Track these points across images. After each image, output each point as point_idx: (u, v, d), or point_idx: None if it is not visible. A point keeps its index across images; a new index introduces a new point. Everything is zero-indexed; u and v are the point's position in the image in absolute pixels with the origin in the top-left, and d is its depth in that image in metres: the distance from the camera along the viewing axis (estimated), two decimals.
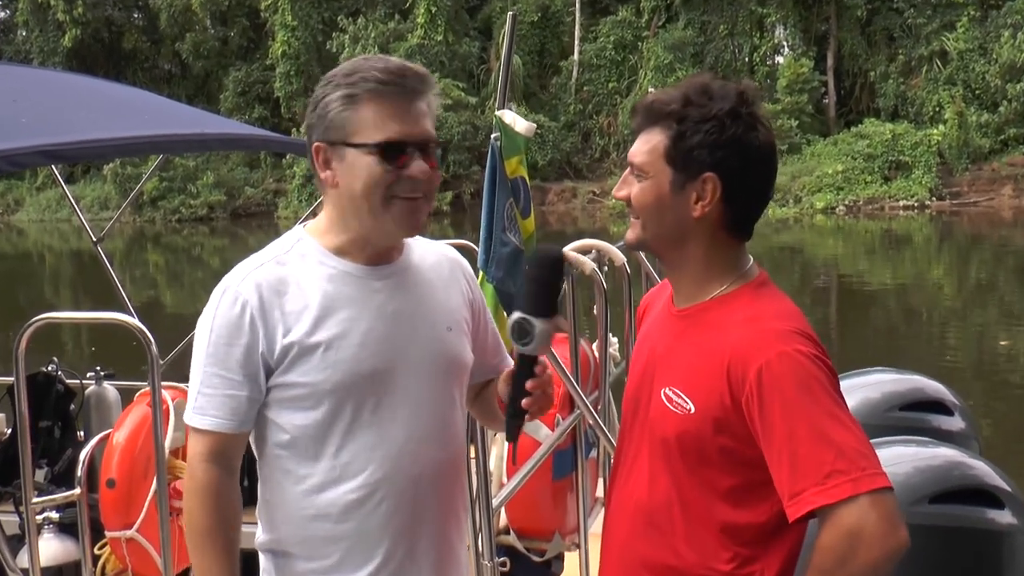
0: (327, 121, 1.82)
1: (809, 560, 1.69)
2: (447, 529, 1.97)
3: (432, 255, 2.00)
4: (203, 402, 1.84)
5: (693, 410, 1.78)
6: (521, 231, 2.48)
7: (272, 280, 1.84)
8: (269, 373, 1.83)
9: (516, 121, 2.45)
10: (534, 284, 1.81)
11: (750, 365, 1.71)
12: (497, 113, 2.45)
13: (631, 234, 1.89)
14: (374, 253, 1.88)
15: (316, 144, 1.84)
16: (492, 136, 2.42)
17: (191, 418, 1.86)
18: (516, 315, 1.79)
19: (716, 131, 1.77)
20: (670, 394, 1.82)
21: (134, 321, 3.16)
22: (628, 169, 1.87)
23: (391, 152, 1.78)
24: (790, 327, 1.76)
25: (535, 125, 2.48)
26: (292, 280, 1.85)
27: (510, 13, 2.48)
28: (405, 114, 1.79)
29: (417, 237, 2.01)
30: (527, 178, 2.55)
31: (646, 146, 1.83)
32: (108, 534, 3.52)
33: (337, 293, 1.85)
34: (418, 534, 1.90)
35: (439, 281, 1.96)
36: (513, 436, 1.88)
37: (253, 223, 39.63)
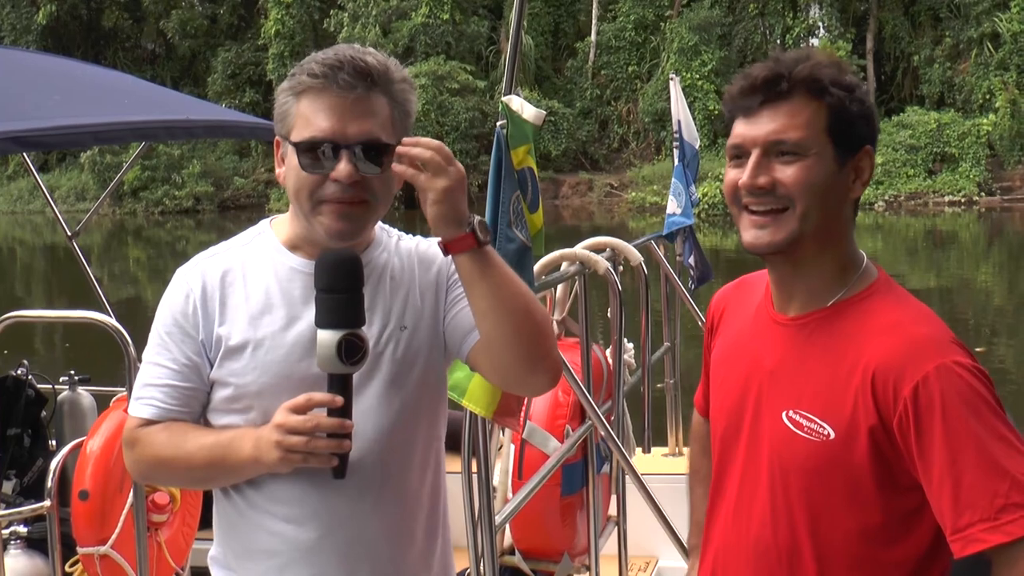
0: (277, 114, 1.86)
1: None
2: (398, 554, 1.93)
3: (402, 252, 1.98)
4: (146, 392, 1.89)
5: (832, 436, 1.68)
6: (528, 226, 2.49)
7: (220, 270, 1.90)
8: (211, 367, 1.87)
9: (524, 108, 2.46)
10: (351, 293, 1.75)
11: (904, 381, 1.62)
12: (504, 99, 2.46)
13: (778, 233, 1.71)
14: (327, 250, 1.85)
15: (276, 137, 1.89)
16: (498, 124, 2.42)
17: (133, 407, 1.91)
18: (340, 332, 1.71)
19: (864, 101, 1.74)
20: (797, 418, 1.72)
21: (110, 320, 3.18)
22: (758, 151, 1.71)
23: (313, 152, 1.78)
24: (942, 335, 1.67)
25: (545, 112, 2.49)
26: (240, 272, 1.90)
27: None
28: (335, 111, 1.78)
29: (402, 234, 2.02)
30: (535, 169, 2.55)
31: (796, 119, 1.69)
32: (80, 550, 3.53)
33: (281, 290, 1.87)
34: (359, 556, 1.89)
35: (403, 278, 1.94)
36: (343, 471, 1.79)
37: (243, 216, 39.72)
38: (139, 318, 16.91)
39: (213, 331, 1.86)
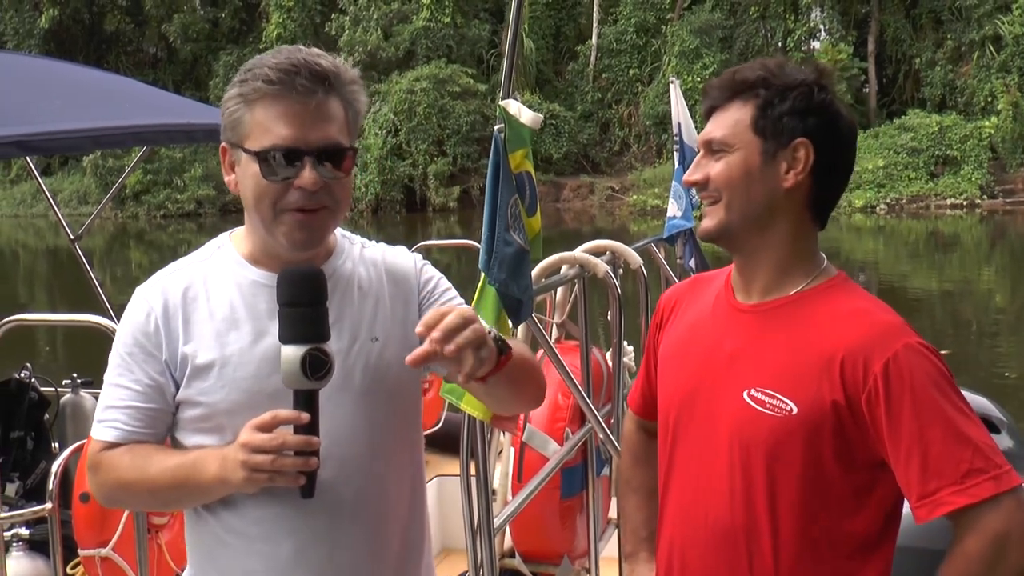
0: (225, 120, 1.81)
1: (950, 568, 1.71)
2: (377, 570, 1.89)
3: (368, 261, 1.95)
4: (108, 415, 1.85)
5: (795, 411, 1.77)
6: (526, 230, 2.50)
7: (181, 287, 1.86)
8: (177, 386, 1.83)
9: (521, 112, 2.47)
10: (315, 307, 1.70)
11: (873, 360, 1.73)
12: (501, 103, 2.47)
13: (710, 221, 1.88)
14: (288, 262, 1.82)
15: (222, 144, 1.84)
16: (496, 128, 2.44)
17: (95, 429, 1.86)
18: (304, 347, 1.67)
19: (805, 97, 1.83)
20: (759, 395, 1.81)
21: (111, 323, 3.19)
22: (700, 154, 1.89)
23: (274, 160, 1.74)
24: (903, 322, 1.80)
25: (542, 116, 2.50)
26: (202, 288, 1.86)
27: None
28: (295, 117, 1.74)
29: (366, 241, 2.01)
30: (533, 173, 2.57)
31: (725, 121, 1.86)
32: (81, 552, 3.54)
33: (245, 305, 1.83)
34: (338, 571, 1.85)
35: (371, 288, 1.91)
36: (312, 490, 1.74)
37: (244, 220, 39.74)
38: None
39: (178, 350, 1.82)
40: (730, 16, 37.72)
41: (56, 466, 3.37)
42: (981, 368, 11.65)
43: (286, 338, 1.69)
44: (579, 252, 3.81)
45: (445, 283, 2.01)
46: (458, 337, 1.62)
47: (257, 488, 1.75)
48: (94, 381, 4.78)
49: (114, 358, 1.87)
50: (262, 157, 1.75)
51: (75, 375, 4.72)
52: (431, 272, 2.02)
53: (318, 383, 1.70)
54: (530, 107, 2.52)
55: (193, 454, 1.80)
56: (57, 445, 4.68)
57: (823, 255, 1.91)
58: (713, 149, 1.86)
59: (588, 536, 3.77)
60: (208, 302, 1.84)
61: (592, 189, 37.06)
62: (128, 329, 1.86)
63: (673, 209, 5.90)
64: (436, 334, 1.61)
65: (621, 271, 4.15)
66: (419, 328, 1.63)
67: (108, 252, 32.47)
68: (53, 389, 4.82)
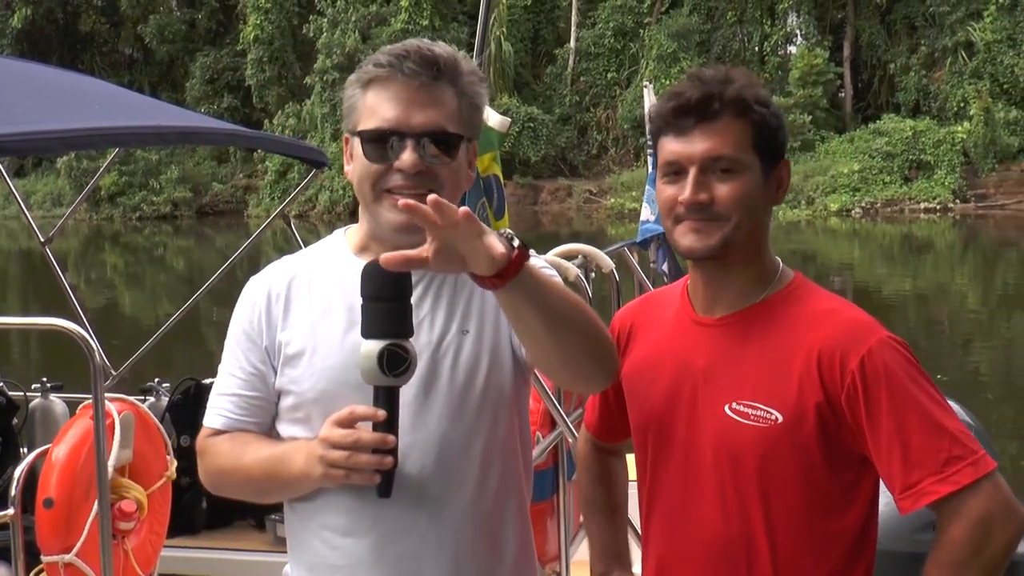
0: (345, 108, 1.85)
1: (937, 557, 1.73)
2: (454, 571, 1.82)
3: None
4: (216, 402, 1.88)
5: (780, 419, 1.77)
6: None
7: (288, 276, 1.88)
8: (276, 374, 1.85)
9: (489, 115, 2.48)
10: (397, 302, 1.65)
11: (849, 356, 1.74)
12: None
13: (710, 240, 1.81)
14: (395, 248, 1.73)
15: (345, 135, 1.87)
16: None
17: (206, 416, 1.90)
18: (383, 343, 1.63)
19: (779, 114, 1.86)
20: (741, 408, 1.80)
21: (75, 327, 3.15)
22: (695, 169, 1.80)
23: (378, 141, 1.76)
24: (871, 317, 1.82)
25: (510, 120, 2.50)
26: (307, 278, 1.87)
27: None
28: (400, 100, 1.75)
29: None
30: (501, 176, 2.57)
31: (728, 137, 1.80)
32: (44, 559, 3.50)
33: (344, 294, 1.81)
34: (416, 571, 1.80)
35: (467, 279, 1.74)
36: (388, 490, 1.71)
37: (221, 222, 39.60)
38: (116, 324, 16.83)
39: (276, 338, 1.84)
40: (707, 20, 37.90)
41: (19, 471, 3.34)
42: (952, 370, 11.73)
43: (367, 332, 1.66)
44: (550, 256, 3.79)
45: (541, 263, 1.87)
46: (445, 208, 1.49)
47: (335, 484, 1.74)
48: (64, 385, 4.74)
49: (225, 347, 1.89)
50: (366, 138, 1.77)
51: (44, 379, 4.67)
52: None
53: (397, 380, 1.66)
54: (508, 110, 2.53)
55: (284, 446, 1.81)
56: (25, 450, 4.63)
57: (777, 258, 1.92)
58: (721, 168, 1.80)
59: (559, 540, 3.76)
60: (310, 292, 1.85)
61: (570, 192, 37.12)
62: (236, 318, 1.89)
63: (646, 213, 5.91)
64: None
65: (593, 275, 4.14)
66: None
67: (83, 255, 32.24)
68: (22, 393, 4.77)
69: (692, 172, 1.81)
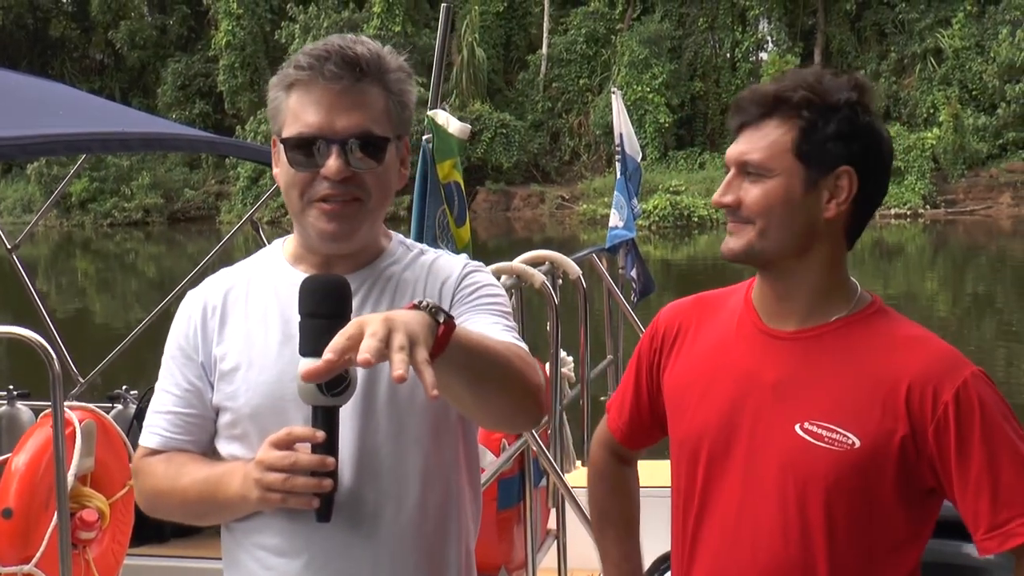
0: (269, 111, 1.77)
1: None
2: None
3: (416, 266, 1.83)
4: (152, 420, 1.82)
5: (858, 444, 1.69)
6: (455, 241, 2.50)
7: (223, 289, 1.82)
8: (213, 389, 1.79)
9: (450, 122, 2.47)
10: (337, 319, 1.53)
11: (943, 388, 1.67)
12: (429, 113, 2.47)
13: (737, 243, 1.76)
14: (324, 261, 1.76)
15: (273, 137, 1.79)
16: (423, 138, 2.43)
17: (141, 435, 1.84)
18: (320, 362, 1.47)
19: (849, 120, 1.72)
20: (815, 429, 1.72)
21: (33, 335, 3.10)
22: (731, 172, 1.77)
23: (301, 148, 1.69)
24: (957, 350, 1.74)
25: (470, 127, 2.50)
26: (243, 290, 1.81)
27: (444, 4, 2.50)
28: (322, 105, 1.68)
29: (427, 248, 1.89)
30: (462, 183, 2.56)
31: (763, 141, 1.73)
32: (2, 569, 3.46)
33: (279, 306, 1.76)
34: None
35: (410, 293, 1.77)
36: (328, 514, 1.63)
37: (193, 228, 39.38)
38: (85, 331, 16.64)
39: (212, 352, 1.77)
40: (679, 27, 38.10)
41: None
42: None
43: (305, 350, 1.56)
44: (516, 263, 3.78)
45: (489, 289, 1.82)
46: (364, 344, 1.38)
47: (271, 507, 1.67)
48: (31, 393, 4.69)
49: (162, 363, 1.83)
50: (290, 145, 1.70)
51: (11, 387, 4.62)
52: (477, 278, 1.83)
53: (336, 400, 1.57)
54: (480, 116, 2.52)
55: (220, 468, 1.74)
56: None
57: (854, 280, 1.83)
58: (748, 171, 1.75)
59: (526, 547, 3.75)
60: (246, 304, 1.79)
61: (542, 198, 37.18)
62: (172, 334, 1.82)
63: (615, 219, 5.93)
64: (328, 353, 1.41)
65: (560, 281, 4.13)
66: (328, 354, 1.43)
67: (54, 261, 31.97)
68: None
69: (729, 173, 1.78)
